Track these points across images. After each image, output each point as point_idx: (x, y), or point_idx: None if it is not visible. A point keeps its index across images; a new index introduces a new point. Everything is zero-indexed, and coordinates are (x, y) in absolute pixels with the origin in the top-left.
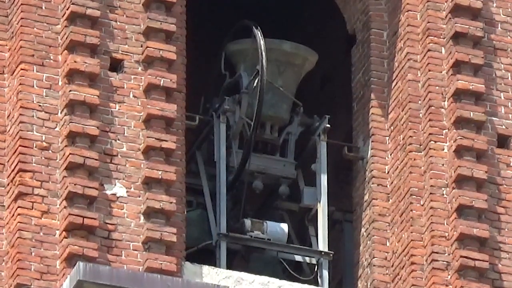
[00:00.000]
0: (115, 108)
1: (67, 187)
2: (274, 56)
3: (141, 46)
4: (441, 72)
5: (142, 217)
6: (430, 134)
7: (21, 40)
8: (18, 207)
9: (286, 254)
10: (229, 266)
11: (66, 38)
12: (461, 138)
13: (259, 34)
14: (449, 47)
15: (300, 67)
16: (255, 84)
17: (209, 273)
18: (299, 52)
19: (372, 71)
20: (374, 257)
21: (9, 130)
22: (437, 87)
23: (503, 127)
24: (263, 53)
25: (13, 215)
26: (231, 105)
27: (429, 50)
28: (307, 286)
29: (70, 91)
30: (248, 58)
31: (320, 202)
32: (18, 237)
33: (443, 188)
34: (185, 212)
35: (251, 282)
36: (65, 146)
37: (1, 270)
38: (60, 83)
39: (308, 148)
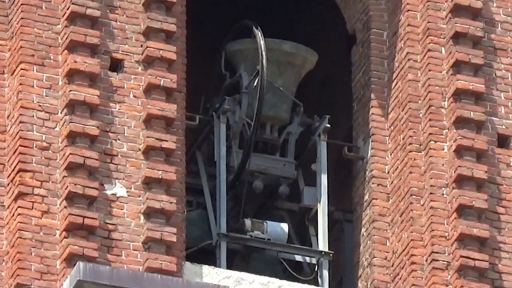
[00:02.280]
0: (115, 108)
1: (67, 187)
2: (274, 56)
3: (141, 46)
4: (441, 72)
5: (142, 217)
6: (430, 134)
7: (21, 40)
8: (18, 207)
9: (286, 254)
10: (229, 266)
11: (66, 38)
12: (461, 138)
13: (260, 34)
14: (449, 47)
15: (300, 67)
16: (255, 84)
17: (209, 273)
18: (299, 52)
19: (372, 71)
20: (374, 257)
21: (9, 130)
22: (437, 87)
23: (503, 127)
24: (263, 53)
25: (13, 215)
26: (231, 105)
27: (429, 50)
28: (307, 286)
29: (70, 91)
30: (248, 58)
31: (320, 202)
32: (18, 237)
33: (443, 188)
34: (185, 212)
35: (251, 282)
36: (65, 146)
37: (1, 270)
38: (60, 83)
39: (308, 148)
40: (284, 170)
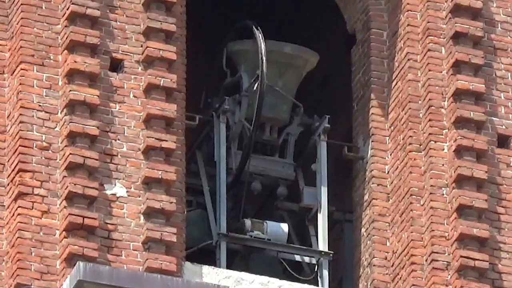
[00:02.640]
0: (115, 108)
1: (67, 187)
2: (275, 58)
3: (141, 46)
4: (441, 72)
5: (142, 217)
6: (430, 134)
7: (21, 40)
8: (18, 207)
9: (286, 254)
10: (229, 266)
11: (66, 38)
12: (461, 138)
13: (260, 37)
14: (449, 47)
15: (301, 68)
16: (254, 88)
17: (209, 273)
18: (300, 54)
19: (372, 71)
20: (374, 257)
21: (9, 130)
22: (437, 87)
23: (503, 127)
24: (263, 58)
25: (13, 215)
26: (231, 105)
27: (429, 50)
28: (307, 286)
29: (70, 91)
30: (249, 59)
31: (320, 202)
32: (18, 237)
33: (443, 188)
34: (185, 212)
35: (251, 282)
36: (65, 146)
37: (1, 270)
38: (60, 83)
39: (308, 148)
40: (282, 171)
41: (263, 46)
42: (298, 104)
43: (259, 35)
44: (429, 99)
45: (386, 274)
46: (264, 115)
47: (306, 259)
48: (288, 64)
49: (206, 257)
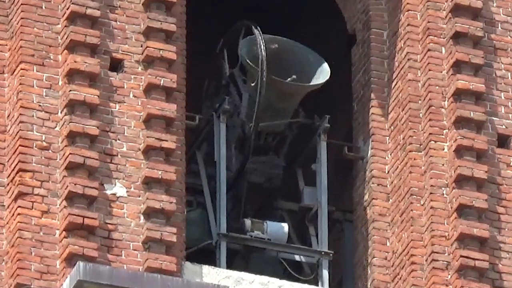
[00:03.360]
0: (115, 108)
1: (67, 187)
2: (277, 88)
3: (141, 46)
4: (441, 72)
5: (142, 217)
6: (430, 134)
7: (21, 40)
8: (18, 207)
9: (286, 254)
10: (229, 266)
11: (66, 38)
12: (461, 138)
13: (264, 65)
14: (449, 47)
15: (305, 91)
16: (251, 126)
17: (209, 273)
18: (304, 89)
19: (372, 71)
20: (374, 257)
21: (9, 130)
22: (437, 87)
23: (503, 127)
24: (260, 100)
25: (13, 215)
26: (231, 106)
27: (429, 50)
28: (307, 286)
29: (70, 91)
30: (252, 80)
31: (320, 202)
32: (18, 237)
33: (443, 188)
34: (185, 212)
35: (251, 282)
36: (65, 146)
37: (1, 270)
38: (60, 83)
39: (308, 148)
40: (270, 173)
41: (263, 89)
42: (298, 115)
43: (260, 43)
44: (429, 99)
45: (386, 274)
46: (262, 127)
47: (306, 259)
48: (290, 94)
49: (206, 257)
